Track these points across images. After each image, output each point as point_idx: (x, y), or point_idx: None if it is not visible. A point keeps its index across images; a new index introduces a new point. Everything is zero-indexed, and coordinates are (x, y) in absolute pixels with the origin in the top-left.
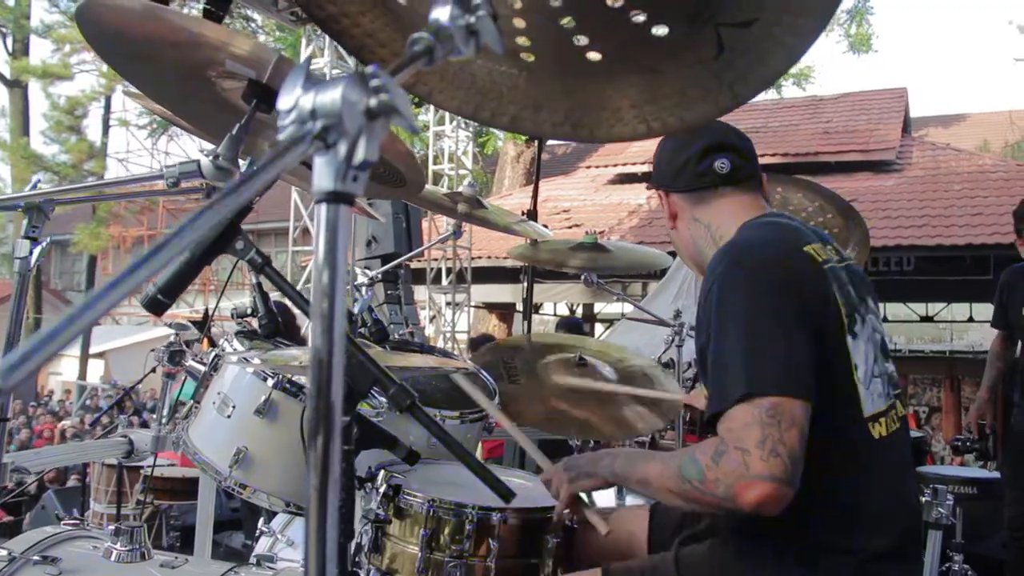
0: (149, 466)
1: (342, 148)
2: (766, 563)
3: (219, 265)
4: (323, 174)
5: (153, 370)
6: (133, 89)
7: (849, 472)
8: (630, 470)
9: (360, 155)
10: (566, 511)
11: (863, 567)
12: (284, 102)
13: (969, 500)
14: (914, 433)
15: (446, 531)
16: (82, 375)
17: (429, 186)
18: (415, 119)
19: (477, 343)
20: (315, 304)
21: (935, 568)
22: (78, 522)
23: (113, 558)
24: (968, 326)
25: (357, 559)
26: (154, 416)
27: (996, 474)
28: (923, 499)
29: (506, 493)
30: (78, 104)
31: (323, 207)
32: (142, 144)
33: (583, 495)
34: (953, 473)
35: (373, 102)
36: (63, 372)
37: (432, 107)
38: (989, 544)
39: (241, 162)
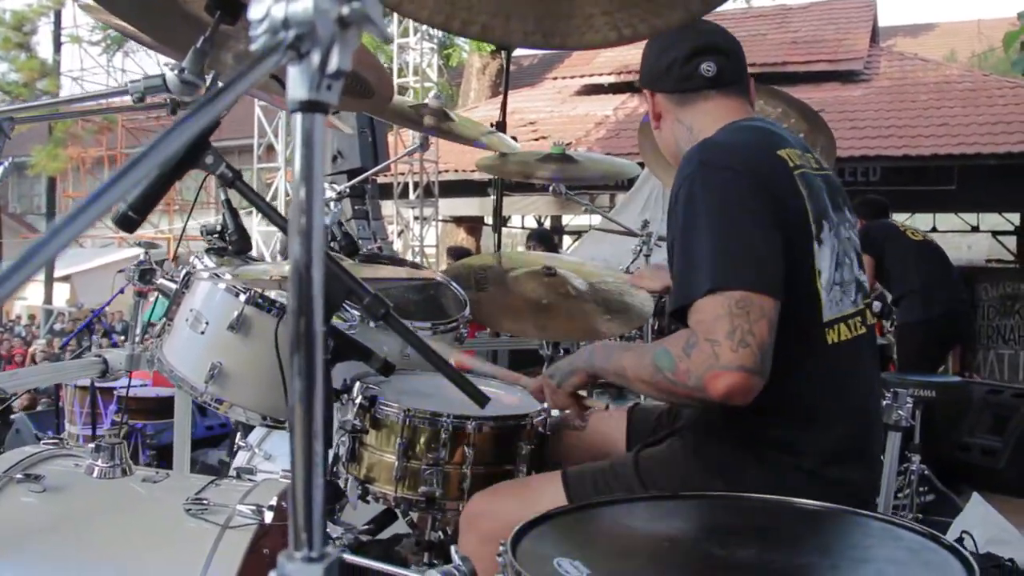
0: (122, 387)
1: (315, 57)
2: (723, 462)
3: (183, 184)
4: (297, 84)
5: (121, 291)
6: (89, 1)
7: (804, 375)
8: (607, 362)
9: (334, 64)
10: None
11: (817, 469)
12: (256, 11)
13: (928, 403)
14: (879, 341)
15: (422, 440)
16: (48, 299)
17: (395, 97)
18: (387, 28)
19: (457, 254)
20: (293, 218)
21: (894, 469)
22: (58, 441)
23: (95, 474)
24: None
25: (335, 469)
26: (123, 338)
27: (955, 378)
28: (884, 402)
29: (481, 399)
30: (25, 20)
31: (298, 117)
32: (96, 61)
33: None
34: (913, 376)
35: (345, 10)
36: (28, 297)
37: (396, 18)
38: (946, 446)
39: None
